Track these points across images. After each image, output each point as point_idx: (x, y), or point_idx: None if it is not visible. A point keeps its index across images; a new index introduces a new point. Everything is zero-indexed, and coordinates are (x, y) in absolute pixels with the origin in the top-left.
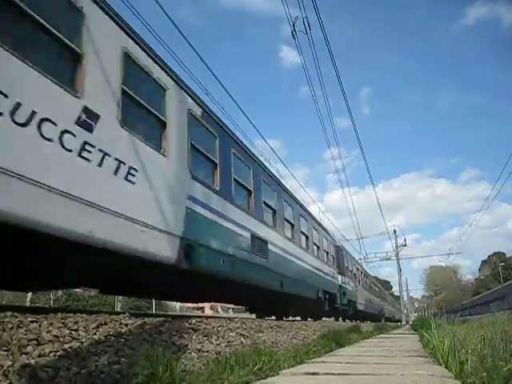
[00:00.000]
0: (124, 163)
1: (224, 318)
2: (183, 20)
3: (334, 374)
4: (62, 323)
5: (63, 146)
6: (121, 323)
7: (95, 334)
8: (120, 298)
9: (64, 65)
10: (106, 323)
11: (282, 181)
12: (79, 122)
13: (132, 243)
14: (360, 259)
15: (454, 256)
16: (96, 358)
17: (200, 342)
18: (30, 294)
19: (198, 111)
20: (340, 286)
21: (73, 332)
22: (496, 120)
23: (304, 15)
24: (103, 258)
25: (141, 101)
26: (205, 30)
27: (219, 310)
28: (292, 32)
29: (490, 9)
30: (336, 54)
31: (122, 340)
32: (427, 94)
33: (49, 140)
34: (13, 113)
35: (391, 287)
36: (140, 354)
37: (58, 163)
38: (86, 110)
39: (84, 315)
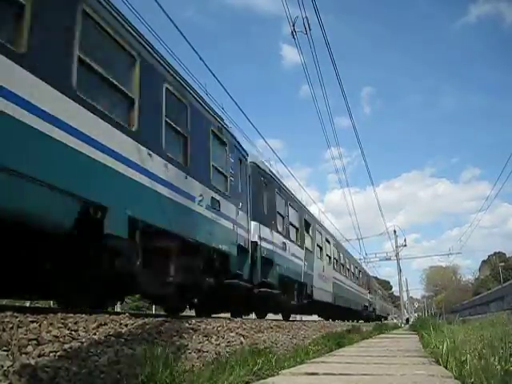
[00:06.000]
0: None
1: (224, 318)
2: (186, 19)
3: (334, 374)
4: (62, 323)
5: None
6: (121, 323)
7: (95, 334)
8: None
9: None
10: (105, 323)
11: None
12: None
13: None
14: (360, 259)
15: (453, 256)
16: (96, 358)
17: (200, 342)
18: None
19: None
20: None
21: (73, 332)
22: (498, 119)
23: (304, 15)
24: None
25: None
26: (206, 29)
27: None
28: (292, 32)
29: (491, 6)
30: (337, 53)
31: (122, 340)
32: (429, 92)
33: None
34: None
35: (391, 287)
36: (140, 354)
37: None
38: None
39: (84, 315)
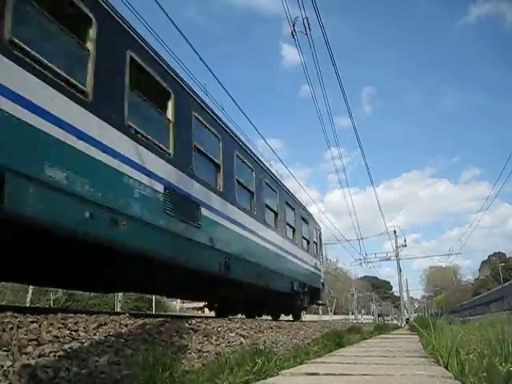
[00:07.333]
0: None
1: (224, 318)
2: (188, 20)
3: (334, 375)
4: (62, 323)
5: None
6: (121, 323)
7: (95, 334)
8: (120, 298)
9: None
10: (106, 323)
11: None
12: None
13: None
14: (360, 259)
15: (453, 256)
16: (96, 359)
17: (200, 343)
18: (29, 294)
19: None
20: None
21: (73, 332)
22: (498, 119)
23: (304, 16)
24: None
25: None
26: (207, 29)
27: None
28: (292, 32)
29: (492, 6)
30: (337, 53)
31: (122, 340)
32: (429, 92)
33: None
34: None
35: (391, 287)
36: (140, 354)
37: None
38: None
39: (84, 315)
